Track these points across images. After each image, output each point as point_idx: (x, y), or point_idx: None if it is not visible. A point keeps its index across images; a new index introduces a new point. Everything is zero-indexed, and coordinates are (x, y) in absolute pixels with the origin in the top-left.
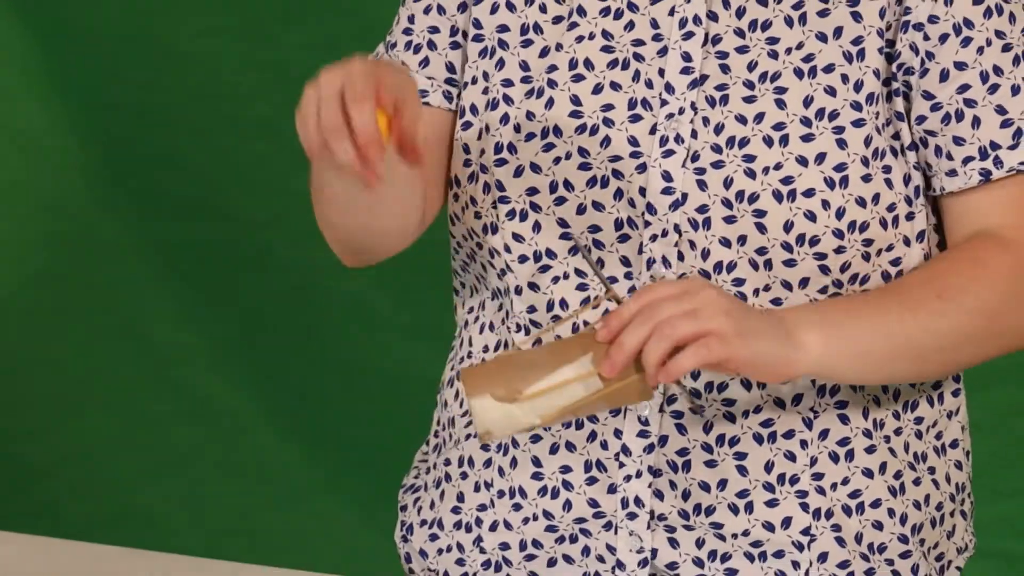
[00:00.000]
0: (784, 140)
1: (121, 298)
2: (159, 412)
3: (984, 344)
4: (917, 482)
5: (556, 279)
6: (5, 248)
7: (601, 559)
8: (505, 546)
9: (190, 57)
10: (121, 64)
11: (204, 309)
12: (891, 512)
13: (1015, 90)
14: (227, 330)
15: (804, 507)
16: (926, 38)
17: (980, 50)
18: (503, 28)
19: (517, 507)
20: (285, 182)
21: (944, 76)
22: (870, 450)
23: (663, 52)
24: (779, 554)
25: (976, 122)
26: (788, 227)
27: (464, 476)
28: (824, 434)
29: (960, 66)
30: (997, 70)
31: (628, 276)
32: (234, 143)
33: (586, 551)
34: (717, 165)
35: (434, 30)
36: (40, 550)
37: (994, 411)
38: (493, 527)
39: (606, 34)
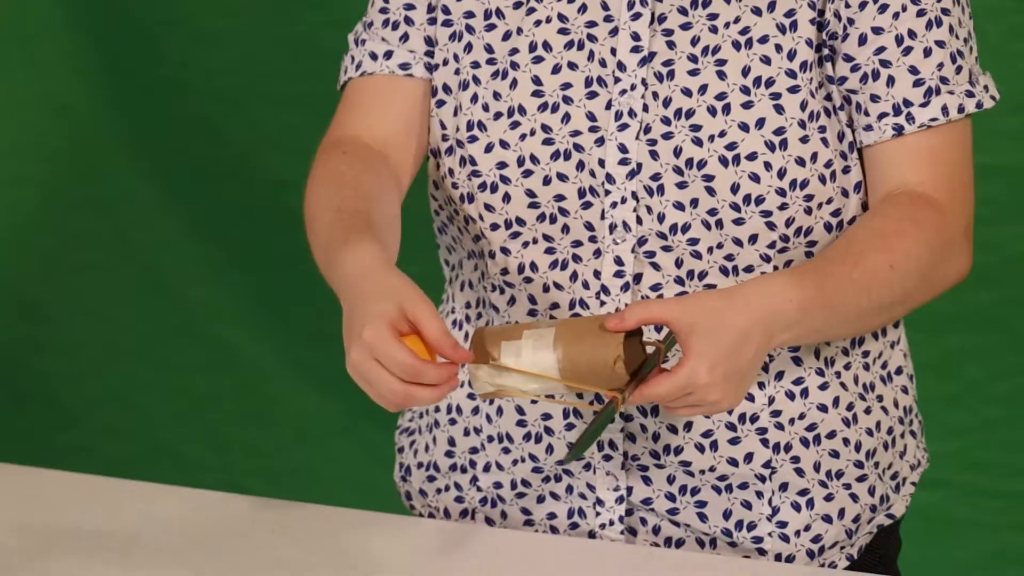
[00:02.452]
0: (727, 109)
1: (154, 256)
2: (186, 360)
3: (915, 302)
4: (868, 411)
5: (526, 244)
6: (49, 210)
7: (583, 496)
8: (498, 485)
9: (220, 34)
10: (156, 40)
11: (230, 266)
12: (846, 441)
13: (927, 52)
14: (251, 286)
15: (764, 443)
16: (847, 5)
17: (896, 15)
18: (469, 14)
19: (506, 451)
20: (309, 148)
21: (862, 40)
22: (823, 387)
23: (614, 32)
24: (743, 486)
25: (891, 81)
26: (735, 189)
27: (453, 422)
28: (780, 375)
29: (877, 30)
30: (911, 34)
31: (592, 240)
32: (261, 113)
33: (569, 489)
34: (667, 136)
35: (410, 7)
36: (77, 486)
37: (948, 354)
38: (487, 468)
39: (561, 17)
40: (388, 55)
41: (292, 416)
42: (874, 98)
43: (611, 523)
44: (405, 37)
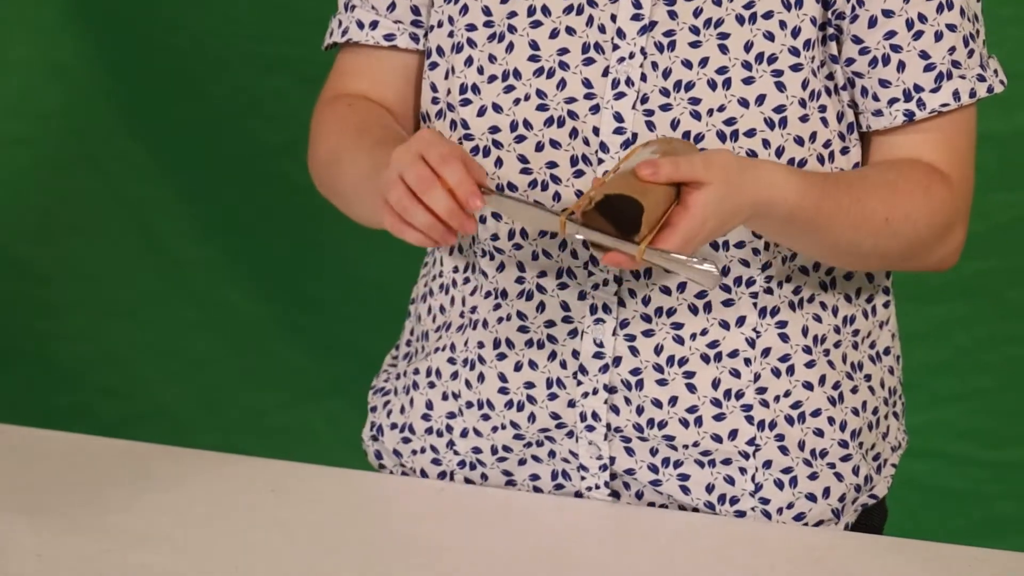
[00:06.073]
0: (727, 83)
1: (148, 216)
2: (181, 320)
3: (890, 263)
4: (855, 390)
5: None
6: (44, 169)
7: (567, 460)
8: (477, 450)
9: None
10: (148, 3)
11: (222, 227)
12: (831, 420)
13: (938, 36)
14: (243, 246)
15: (749, 420)
16: None
17: None
18: None
19: (486, 417)
20: (297, 113)
21: (872, 23)
22: (810, 364)
23: None
24: (727, 461)
25: (901, 66)
26: None
27: (432, 385)
28: (766, 352)
29: (887, 13)
30: (922, 17)
31: None
32: (250, 76)
33: (552, 454)
34: (665, 108)
35: None
36: (74, 447)
37: (934, 322)
38: (464, 434)
39: None
40: (374, 25)
41: (288, 377)
42: (884, 83)
43: (596, 487)
44: (392, 7)
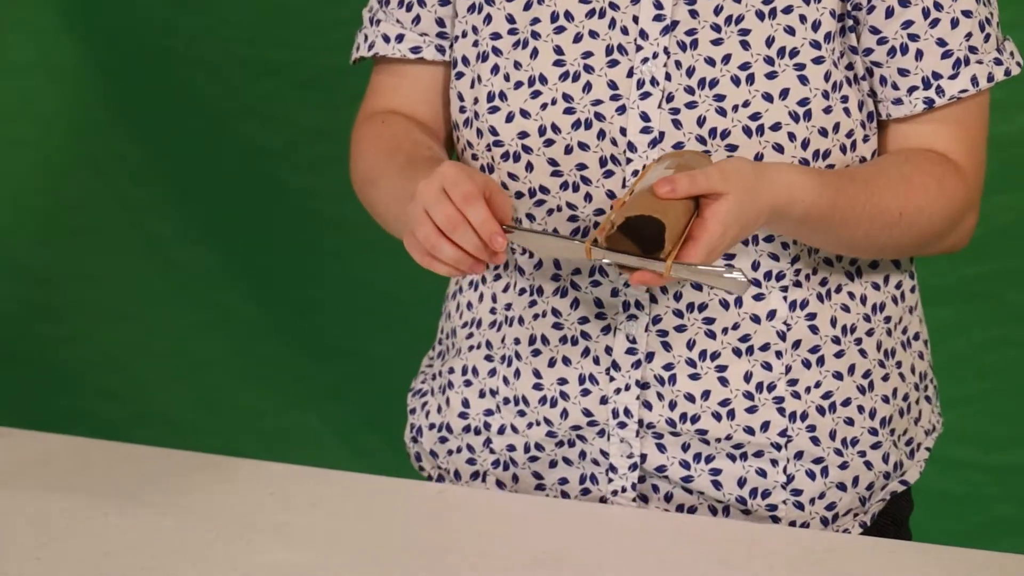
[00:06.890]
0: (750, 79)
1: (147, 218)
2: (180, 323)
3: (904, 253)
4: (885, 378)
5: (551, 211)
6: (44, 173)
7: (596, 462)
8: (511, 448)
9: (204, 2)
10: (144, 8)
11: (221, 230)
12: (860, 408)
13: (954, 23)
14: (242, 249)
15: (781, 411)
16: None
17: None
18: None
19: (522, 413)
20: (292, 116)
21: (889, 13)
22: (839, 355)
23: (636, 0)
24: (759, 454)
25: (919, 55)
26: (758, 159)
27: (468, 384)
28: (797, 344)
29: (904, 3)
30: (937, 5)
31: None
32: (244, 80)
33: (583, 455)
34: (690, 105)
35: None
36: (73, 449)
37: (934, 325)
38: (501, 430)
39: None
40: (400, 38)
41: (288, 379)
42: (902, 72)
43: (623, 490)
44: (417, 19)
